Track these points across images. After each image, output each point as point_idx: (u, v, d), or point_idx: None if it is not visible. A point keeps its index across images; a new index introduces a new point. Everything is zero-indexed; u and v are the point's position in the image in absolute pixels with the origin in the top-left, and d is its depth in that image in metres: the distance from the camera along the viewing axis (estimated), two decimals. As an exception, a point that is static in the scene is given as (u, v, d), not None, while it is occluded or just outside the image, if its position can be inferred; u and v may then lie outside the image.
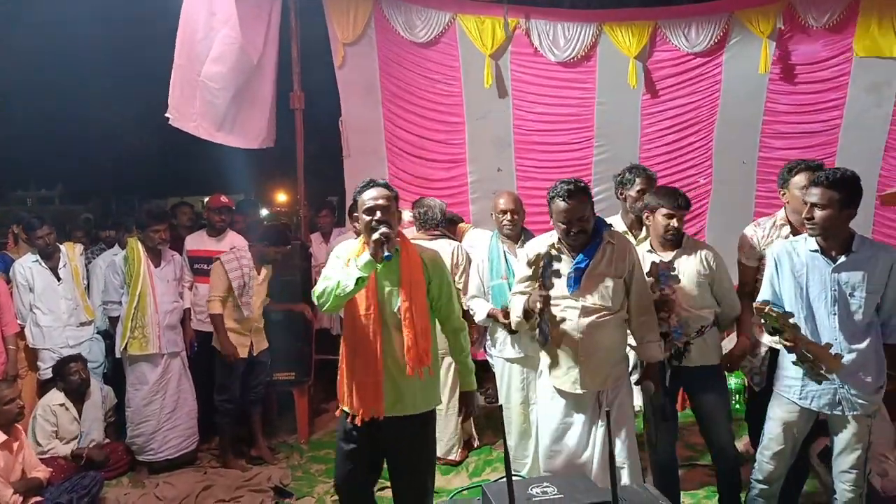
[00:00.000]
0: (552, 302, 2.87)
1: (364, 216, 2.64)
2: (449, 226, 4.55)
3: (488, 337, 4.02)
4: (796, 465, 3.08)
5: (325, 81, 5.45)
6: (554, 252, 2.87)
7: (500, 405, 1.79)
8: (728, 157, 5.48)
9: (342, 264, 2.67)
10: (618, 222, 3.74)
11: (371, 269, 2.55)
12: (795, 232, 3.15)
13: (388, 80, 5.48)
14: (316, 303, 2.68)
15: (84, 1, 6.02)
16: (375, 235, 2.52)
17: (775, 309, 2.61)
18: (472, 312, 3.94)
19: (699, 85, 5.50)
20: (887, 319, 2.75)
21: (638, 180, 3.72)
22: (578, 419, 2.96)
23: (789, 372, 2.86)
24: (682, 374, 3.22)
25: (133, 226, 4.79)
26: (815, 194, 2.66)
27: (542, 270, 2.71)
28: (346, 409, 2.72)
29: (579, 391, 2.92)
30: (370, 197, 2.65)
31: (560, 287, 2.89)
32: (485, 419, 4.99)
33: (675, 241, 3.24)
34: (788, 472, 3.07)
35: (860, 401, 2.72)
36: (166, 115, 4.46)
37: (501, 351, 3.84)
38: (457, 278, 4.17)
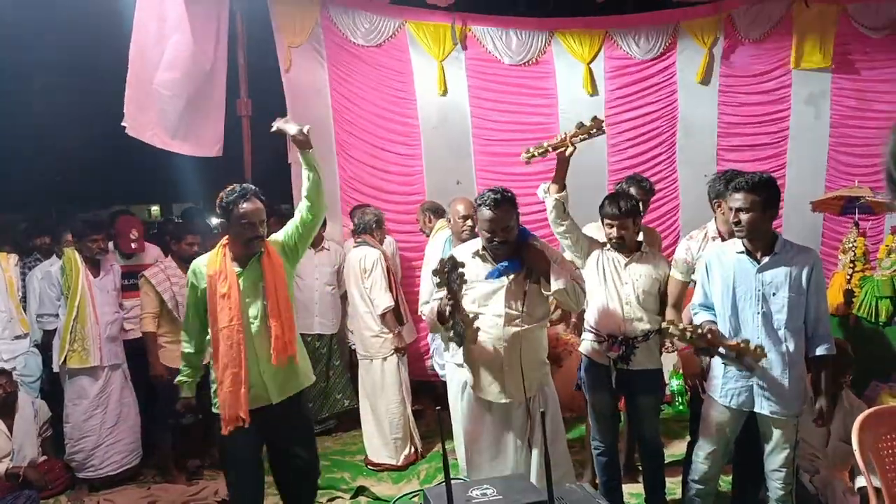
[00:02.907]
0: (474, 309, 2.91)
1: (244, 231, 2.83)
2: (434, 216, 4.72)
3: (439, 342, 4.04)
4: (751, 475, 3.16)
5: (272, 89, 5.37)
6: (464, 258, 2.91)
7: (440, 408, 1.80)
8: (691, 170, 5.50)
9: (191, 298, 2.98)
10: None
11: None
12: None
13: (337, 84, 5.39)
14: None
15: (25, 3, 5.80)
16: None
17: (678, 327, 2.69)
18: (424, 318, 3.97)
19: (657, 94, 5.60)
20: (814, 330, 2.84)
21: (633, 189, 3.80)
22: (510, 431, 2.97)
23: (714, 371, 2.97)
24: (624, 377, 3.29)
25: (68, 234, 4.63)
26: (738, 199, 2.77)
27: (448, 276, 2.71)
28: (224, 421, 2.83)
29: (504, 401, 2.94)
30: (252, 210, 2.83)
31: (480, 294, 2.91)
32: (436, 425, 4.99)
33: (629, 246, 3.32)
34: (745, 481, 3.19)
35: (778, 403, 2.81)
36: (122, 124, 4.35)
37: (454, 356, 3.84)
38: (365, 284, 4.40)
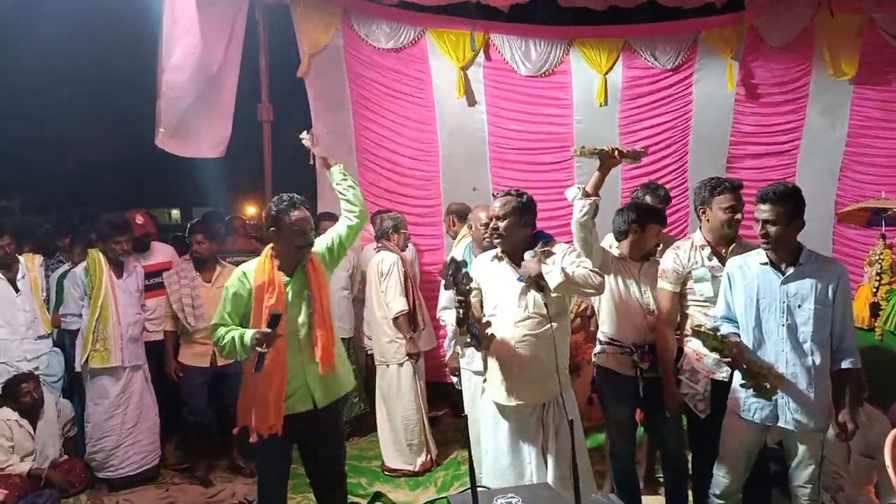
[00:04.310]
0: (491, 312, 2.91)
1: (294, 240, 2.87)
2: (459, 219, 4.68)
3: (458, 349, 4.03)
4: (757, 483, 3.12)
5: (294, 93, 5.41)
6: (484, 263, 2.97)
7: (465, 415, 1.82)
8: (702, 176, 5.36)
9: (233, 306, 2.90)
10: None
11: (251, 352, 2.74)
12: (715, 252, 3.19)
13: (357, 90, 5.42)
14: (215, 346, 2.91)
15: (43, 6, 5.90)
16: (260, 348, 2.69)
17: (709, 328, 2.65)
18: (443, 323, 3.98)
19: (673, 104, 5.58)
20: (839, 343, 2.79)
21: (648, 198, 3.81)
22: (525, 437, 2.94)
23: (735, 385, 2.91)
24: (650, 387, 3.26)
25: (87, 236, 4.70)
26: (765, 211, 2.72)
27: (454, 276, 2.71)
28: (253, 428, 2.85)
29: (513, 403, 2.91)
30: (303, 218, 2.89)
31: (497, 297, 2.92)
32: (453, 432, 4.99)
33: (645, 255, 3.35)
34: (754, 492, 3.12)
35: (803, 417, 2.76)
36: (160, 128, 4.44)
37: (470, 363, 3.85)
38: (383, 287, 4.42)
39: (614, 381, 3.34)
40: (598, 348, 3.43)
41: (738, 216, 3.13)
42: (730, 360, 2.68)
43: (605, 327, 3.38)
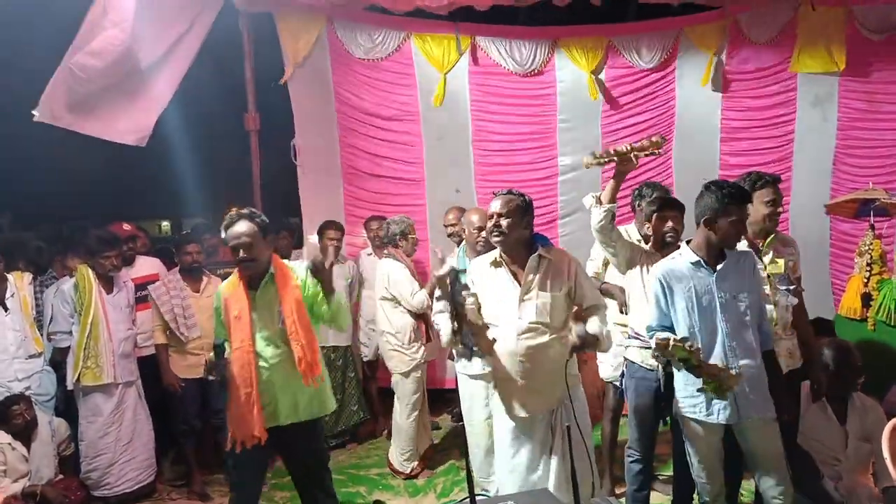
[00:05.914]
0: (490, 322, 2.87)
1: (233, 255, 2.85)
2: None
3: (454, 354, 4.02)
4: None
5: (281, 102, 5.38)
6: (482, 269, 2.92)
7: (461, 423, 1.82)
8: (688, 174, 5.36)
9: (216, 322, 3.06)
10: (632, 231, 3.73)
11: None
12: (752, 245, 3.20)
13: (342, 98, 5.40)
14: None
15: (31, 12, 5.83)
16: (211, 376, 2.86)
17: (676, 341, 2.56)
18: (437, 328, 3.95)
19: (654, 101, 5.59)
20: (759, 327, 2.84)
21: (655, 193, 3.79)
22: (530, 442, 2.91)
23: (687, 392, 2.88)
24: (671, 382, 3.21)
25: (75, 252, 4.66)
26: (747, 208, 2.85)
27: (451, 287, 2.68)
28: (235, 438, 2.88)
29: (524, 415, 2.88)
30: (233, 235, 2.83)
31: (496, 307, 2.88)
32: (451, 438, 4.97)
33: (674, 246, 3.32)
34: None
35: (762, 407, 2.80)
36: (33, 112, 4.32)
37: (466, 367, 3.83)
38: (394, 293, 4.35)
39: (637, 374, 3.36)
40: (625, 342, 3.46)
41: (779, 209, 3.18)
42: (698, 367, 2.61)
43: (633, 321, 3.39)
